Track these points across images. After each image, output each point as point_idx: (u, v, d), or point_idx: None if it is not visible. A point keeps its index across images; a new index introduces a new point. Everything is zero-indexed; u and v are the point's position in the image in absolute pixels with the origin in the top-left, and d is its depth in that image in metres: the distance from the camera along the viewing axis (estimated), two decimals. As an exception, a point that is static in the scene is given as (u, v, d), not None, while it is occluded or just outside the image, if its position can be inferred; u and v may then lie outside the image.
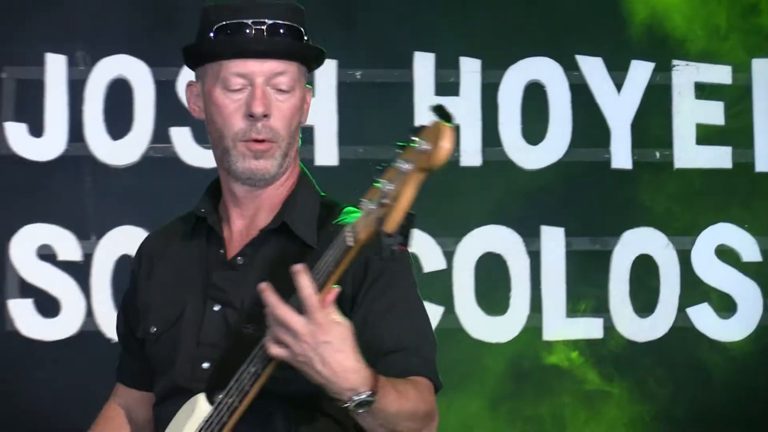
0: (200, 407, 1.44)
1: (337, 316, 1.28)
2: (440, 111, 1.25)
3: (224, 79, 1.52)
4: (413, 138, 1.24)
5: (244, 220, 1.56)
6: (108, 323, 2.95)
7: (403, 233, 1.25)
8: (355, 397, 1.31)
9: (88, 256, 2.95)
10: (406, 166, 1.24)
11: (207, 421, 1.41)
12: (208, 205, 1.58)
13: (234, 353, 1.45)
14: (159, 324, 1.57)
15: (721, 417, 2.95)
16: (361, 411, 1.32)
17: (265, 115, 1.51)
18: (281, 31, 1.52)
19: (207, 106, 1.53)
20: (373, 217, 1.25)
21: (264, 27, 1.51)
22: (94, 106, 3.00)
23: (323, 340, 1.25)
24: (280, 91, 1.52)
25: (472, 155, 2.92)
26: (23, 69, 3.03)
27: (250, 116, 1.48)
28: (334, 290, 1.29)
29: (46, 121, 3.01)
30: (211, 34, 1.53)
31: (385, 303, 1.46)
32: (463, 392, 2.92)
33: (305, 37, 1.56)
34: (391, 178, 1.25)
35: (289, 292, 1.35)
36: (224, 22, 1.52)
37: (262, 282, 1.35)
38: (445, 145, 1.24)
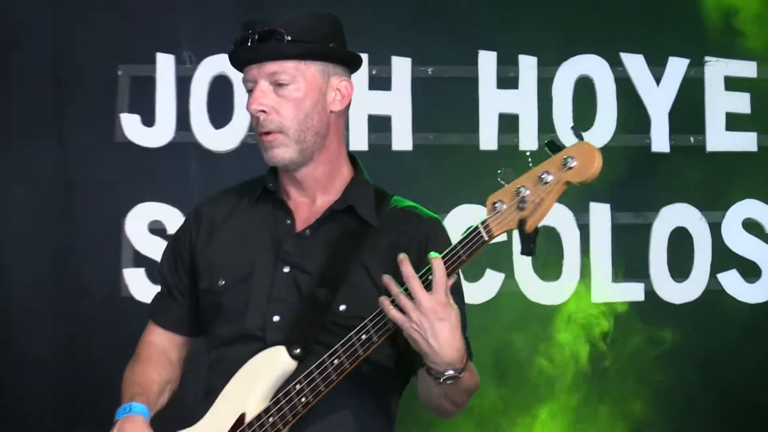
0: (282, 359, 1.54)
1: (452, 301, 1.41)
2: (577, 133, 1.45)
3: (243, 84, 1.68)
4: (560, 153, 1.41)
5: (305, 198, 1.67)
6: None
7: (534, 239, 1.42)
8: (449, 372, 1.44)
9: (192, 231, 3.18)
10: (549, 177, 1.41)
11: (307, 375, 1.50)
12: (273, 181, 1.68)
13: (303, 310, 1.58)
14: (228, 278, 1.65)
15: (743, 362, 3.14)
16: (448, 383, 1.45)
17: (263, 111, 1.60)
18: (270, 37, 1.60)
19: None
20: (513, 218, 1.42)
21: (253, 37, 1.61)
22: (198, 99, 3.18)
23: (440, 317, 1.39)
24: (281, 85, 1.60)
25: (530, 141, 3.14)
26: (136, 67, 3.20)
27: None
28: (454, 277, 1.43)
29: (156, 112, 3.19)
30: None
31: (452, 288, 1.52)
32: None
33: (312, 42, 1.62)
34: (529, 185, 1.42)
35: (349, 264, 1.59)
36: (235, 39, 1.65)
37: (328, 251, 1.58)
38: (598, 165, 1.41)
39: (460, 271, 1.49)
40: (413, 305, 1.38)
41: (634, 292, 3.13)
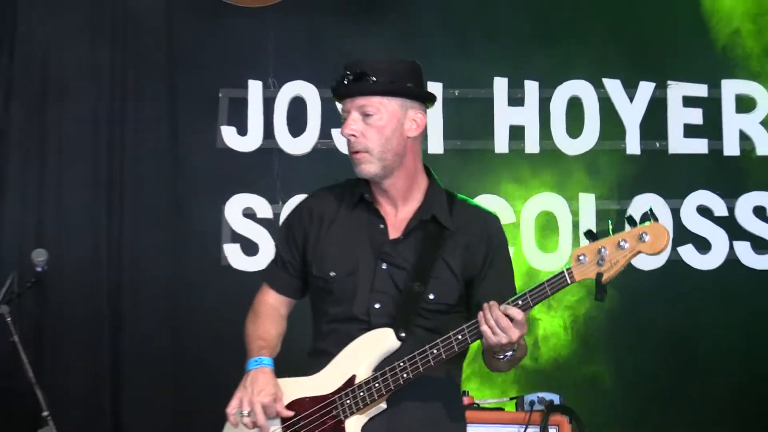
0: (390, 339, 1.83)
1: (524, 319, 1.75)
2: (653, 214, 1.69)
3: (341, 112, 1.94)
4: (638, 228, 1.68)
5: (391, 205, 1.94)
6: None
7: (605, 289, 1.71)
8: (509, 353, 1.80)
9: (276, 215, 3.79)
10: (626, 245, 1.69)
11: (410, 357, 1.79)
12: (369, 192, 1.94)
13: (401, 300, 1.86)
14: (338, 271, 1.91)
15: (700, 316, 3.75)
16: (507, 358, 1.81)
17: (353, 135, 1.88)
18: (361, 78, 1.86)
19: None
20: (593, 270, 1.70)
21: (349, 77, 1.88)
22: (280, 114, 3.79)
23: (520, 334, 1.74)
24: (367, 115, 1.87)
25: (533, 146, 3.79)
26: (233, 90, 3.85)
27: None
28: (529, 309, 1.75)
29: (248, 125, 3.83)
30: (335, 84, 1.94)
31: (509, 274, 1.98)
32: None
33: (393, 82, 1.86)
34: (609, 247, 1.69)
35: (434, 261, 1.85)
36: (337, 77, 1.92)
37: (417, 252, 1.86)
38: (667, 243, 1.68)
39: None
40: (505, 327, 1.72)
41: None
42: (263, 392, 1.85)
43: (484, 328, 1.72)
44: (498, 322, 1.71)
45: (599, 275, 1.70)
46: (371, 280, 1.89)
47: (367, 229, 1.94)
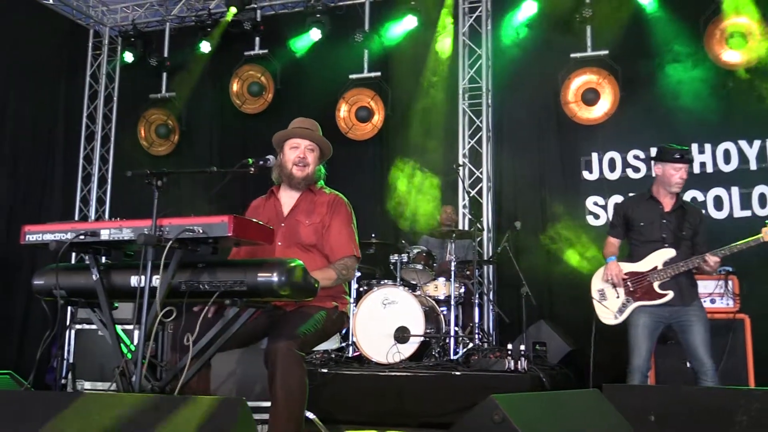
0: (671, 251, 4.79)
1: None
2: None
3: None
4: None
5: (669, 198, 4.88)
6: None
7: None
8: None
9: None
10: None
11: (685, 263, 4.73)
12: (652, 194, 4.94)
13: (675, 235, 4.80)
14: (645, 223, 4.88)
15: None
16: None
17: None
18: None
19: None
20: None
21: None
22: None
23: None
24: None
25: None
26: None
27: None
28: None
29: None
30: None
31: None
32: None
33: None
34: None
35: (684, 222, 4.79)
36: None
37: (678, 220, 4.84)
38: None
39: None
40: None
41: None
42: (615, 270, 4.88)
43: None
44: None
45: None
46: (659, 227, 4.85)
47: (657, 209, 4.90)
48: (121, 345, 2.99)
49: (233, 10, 8.89)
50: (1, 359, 8.08)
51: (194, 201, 6.56)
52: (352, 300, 6.68)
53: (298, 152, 3.75)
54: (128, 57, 9.56)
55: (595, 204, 7.68)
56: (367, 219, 7.11)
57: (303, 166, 3.73)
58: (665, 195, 4.87)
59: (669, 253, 4.76)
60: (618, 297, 4.82)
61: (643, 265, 4.75)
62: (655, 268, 4.76)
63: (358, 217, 3.90)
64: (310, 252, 3.69)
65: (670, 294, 4.71)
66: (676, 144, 4.90)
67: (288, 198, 3.83)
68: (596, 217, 7.67)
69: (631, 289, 4.80)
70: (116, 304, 3.13)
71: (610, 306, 4.83)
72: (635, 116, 7.58)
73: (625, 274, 4.81)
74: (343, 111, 8.57)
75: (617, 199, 7.45)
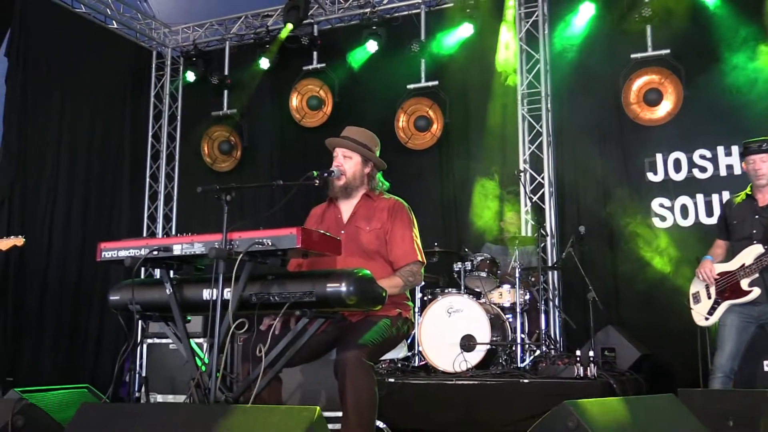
0: (759, 247, 4.66)
1: None
2: None
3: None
4: None
5: (763, 195, 4.78)
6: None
7: None
8: None
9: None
10: None
11: (761, 255, 4.66)
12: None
13: (763, 232, 4.70)
14: (737, 221, 4.85)
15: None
16: None
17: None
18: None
19: None
20: None
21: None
22: None
23: None
24: None
25: None
26: None
27: None
28: None
29: None
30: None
31: None
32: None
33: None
34: None
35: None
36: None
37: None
38: None
39: None
40: None
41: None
42: (707, 267, 4.86)
43: None
44: None
45: None
46: (751, 225, 4.77)
47: (752, 205, 4.84)
48: (195, 358, 3.05)
49: (290, 26, 9.01)
50: (78, 373, 8.33)
51: (256, 215, 6.63)
52: (416, 309, 6.68)
53: (335, 161, 3.80)
54: (190, 76, 9.80)
55: (661, 206, 7.53)
56: (428, 228, 7.12)
57: (339, 174, 3.76)
58: (758, 190, 4.80)
59: (757, 249, 4.65)
60: (710, 298, 4.79)
61: (732, 264, 4.69)
62: (743, 265, 4.66)
63: (420, 227, 3.90)
64: (374, 260, 3.69)
65: (756, 291, 4.62)
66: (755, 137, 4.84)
67: (346, 205, 3.85)
68: (662, 219, 7.51)
69: (721, 288, 4.75)
70: (189, 318, 3.21)
71: (702, 307, 4.80)
72: (700, 115, 7.42)
73: (718, 274, 4.76)
74: (402, 121, 8.62)
75: (684, 200, 7.31)
